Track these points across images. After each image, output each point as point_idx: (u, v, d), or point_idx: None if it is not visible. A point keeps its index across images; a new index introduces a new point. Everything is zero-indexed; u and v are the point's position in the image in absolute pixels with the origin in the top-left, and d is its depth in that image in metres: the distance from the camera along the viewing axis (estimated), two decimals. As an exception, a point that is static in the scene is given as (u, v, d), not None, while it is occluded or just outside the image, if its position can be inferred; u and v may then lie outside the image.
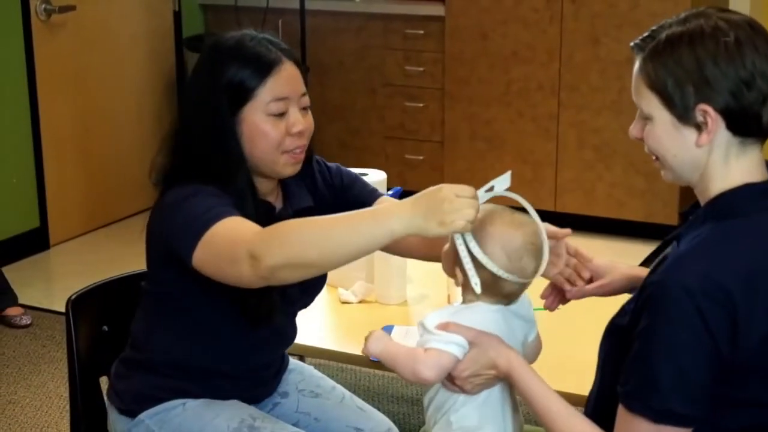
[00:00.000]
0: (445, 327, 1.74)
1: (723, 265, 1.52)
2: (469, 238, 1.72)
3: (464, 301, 1.81)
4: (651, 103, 1.63)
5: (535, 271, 1.77)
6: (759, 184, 1.62)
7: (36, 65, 4.89)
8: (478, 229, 1.73)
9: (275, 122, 1.97)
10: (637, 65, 1.66)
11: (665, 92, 1.60)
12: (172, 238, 1.90)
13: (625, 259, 4.35)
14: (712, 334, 1.50)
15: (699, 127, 1.60)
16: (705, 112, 1.58)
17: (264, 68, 1.96)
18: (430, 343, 1.73)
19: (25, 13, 4.82)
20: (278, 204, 2.10)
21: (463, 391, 1.75)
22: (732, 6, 5.15)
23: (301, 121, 1.99)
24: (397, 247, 2.16)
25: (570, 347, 2.43)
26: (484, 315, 1.76)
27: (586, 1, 4.89)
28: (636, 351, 1.56)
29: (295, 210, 2.09)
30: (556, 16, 4.97)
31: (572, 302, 2.48)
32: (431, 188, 1.67)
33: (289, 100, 1.98)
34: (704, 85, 1.57)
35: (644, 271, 1.90)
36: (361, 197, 2.19)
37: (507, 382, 1.76)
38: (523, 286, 1.79)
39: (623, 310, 1.68)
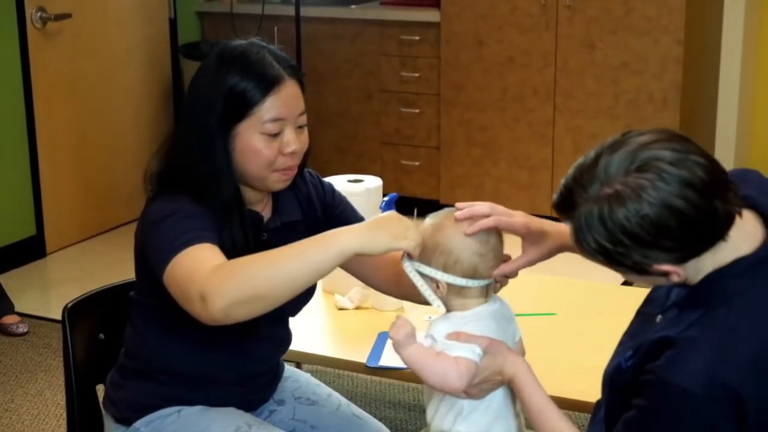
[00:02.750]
0: (455, 337, 1.76)
1: (725, 361, 1.47)
2: (420, 265, 1.78)
3: (454, 307, 1.82)
4: (606, 267, 1.57)
5: (501, 246, 1.81)
6: (750, 256, 1.55)
7: (32, 73, 4.89)
8: (435, 239, 1.78)
9: (269, 141, 1.95)
10: (569, 229, 1.57)
11: (614, 266, 1.55)
12: (149, 257, 1.92)
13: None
14: (715, 428, 1.47)
15: (664, 274, 1.54)
16: (663, 270, 1.53)
17: (265, 85, 1.94)
18: (454, 351, 1.75)
19: (20, 21, 4.81)
20: (266, 214, 2.09)
21: (469, 396, 1.77)
22: (726, 10, 5.15)
23: (294, 141, 1.97)
24: (368, 279, 2.19)
25: (577, 354, 2.43)
26: (482, 323, 1.78)
27: (581, 7, 4.90)
28: (634, 418, 1.55)
29: (283, 222, 2.09)
30: (552, 22, 4.98)
31: (580, 308, 2.45)
32: (380, 215, 1.77)
33: (285, 120, 1.96)
34: (647, 250, 1.50)
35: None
36: (352, 222, 2.19)
37: (509, 386, 1.79)
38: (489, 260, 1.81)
39: (620, 366, 1.64)
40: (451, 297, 1.80)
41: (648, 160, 1.49)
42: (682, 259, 1.52)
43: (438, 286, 1.79)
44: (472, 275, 1.77)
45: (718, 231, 1.52)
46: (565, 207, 1.56)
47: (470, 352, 1.74)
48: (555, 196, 1.58)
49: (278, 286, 1.72)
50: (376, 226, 1.73)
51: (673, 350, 1.51)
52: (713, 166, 1.51)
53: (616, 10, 4.85)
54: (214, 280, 1.73)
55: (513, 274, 1.84)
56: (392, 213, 1.77)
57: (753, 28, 5.23)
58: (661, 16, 4.77)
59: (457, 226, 1.78)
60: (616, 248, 1.50)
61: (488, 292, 1.82)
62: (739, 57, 5.19)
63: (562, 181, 1.57)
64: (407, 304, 2.86)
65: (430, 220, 1.81)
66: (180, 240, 1.84)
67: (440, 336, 1.77)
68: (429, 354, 1.76)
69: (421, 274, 1.79)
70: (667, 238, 1.48)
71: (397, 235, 1.72)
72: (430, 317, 2.66)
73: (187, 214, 1.90)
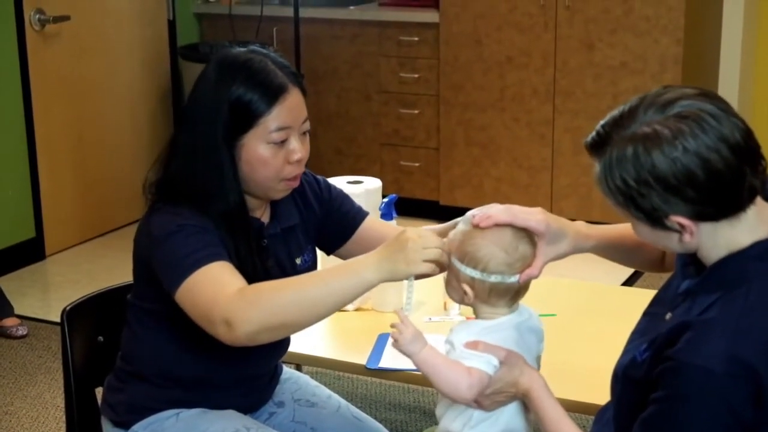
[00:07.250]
0: (474, 345, 1.75)
1: (744, 340, 1.48)
2: (458, 263, 1.77)
3: (481, 315, 1.81)
4: (622, 211, 1.58)
5: (533, 255, 1.79)
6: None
7: (30, 75, 4.89)
8: (465, 244, 1.77)
9: (275, 150, 1.96)
10: (595, 169, 1.59)
11: (631, 209, 1.56)
12: (157, 271, 1.92)
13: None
14: (735, 413, 1.47)
15: (678, 231, 1.55)
16: (678, 223, 1.53)
17: (271, 95, 1.94)
18: (469, 361, 1.74)
19: (19, 23, 4.81)
20: (266, 219, 2.09)
21: (480, 407, 1.76)
22: (725, 10, 5.15)
23: (299, 149, 1.98)
24: None
25: (577, 355, 2.42)
26: (503, 334, 1.78)
27: (581, 7, 4.90)
28: (653, 415, 1.54)
29: (282, 228, 2.10)
30: (551, 22, 4.97)
31: (579, 308, 2.42)
32: (395, 234, 1.78)
33: (291, 129, 1.97)
34: (669, 196, 1.51)
35: (595, 230, 1.93)
36: (351, 214, 2.20)
37: (523, 401, 1.77)
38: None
39: (634, 360, 1.63)
40: (479, 304, 1.79)
41: (691, 107, 1.52)
42: (699, 215, 1.53)
43: (465, 292, 1.78)
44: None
45: (740, 198, 1.53)
46: (598, 145, 1.58)
47: (485, 364, 1.73)
48: (590, 135, 1.60)
49: (303, 315, 1.77)
50: (394, 252, 1.75)
51: (691, 332, 1.51)
52: (750, 135, 1.54)
53: (615, 10, 4.84)
54: (239, 305, 1.76)
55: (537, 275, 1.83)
56: (408, 232, 1.77)
57: (752, 27, 5.23)
58: (660, 16, 4.77)
59: (485, 235, 1.77)
60: (639, 188, 1.52)
61: (517, 299, 1.81)
62: (738, 57, 5.18)
63: (601, 122, 1.60)
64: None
65: (460, 227, 1.80)
66: (192, 258, 1.85)
67: (459, 343, 1.77)
68: (442, 360, 1.75)
69: (455, 273, 1.78)
70: (691, 187, 1.50)
71: (413, 260, 1.74)
72: (430, 318, 2.67)
73: (196, 230, 1.90)
